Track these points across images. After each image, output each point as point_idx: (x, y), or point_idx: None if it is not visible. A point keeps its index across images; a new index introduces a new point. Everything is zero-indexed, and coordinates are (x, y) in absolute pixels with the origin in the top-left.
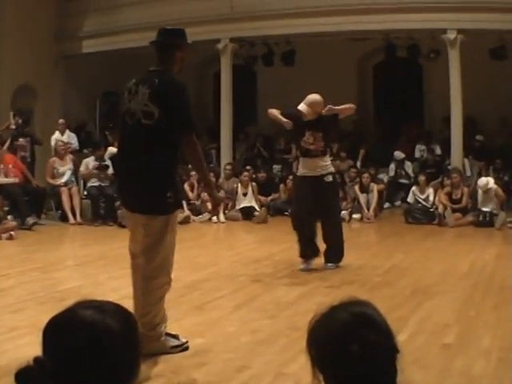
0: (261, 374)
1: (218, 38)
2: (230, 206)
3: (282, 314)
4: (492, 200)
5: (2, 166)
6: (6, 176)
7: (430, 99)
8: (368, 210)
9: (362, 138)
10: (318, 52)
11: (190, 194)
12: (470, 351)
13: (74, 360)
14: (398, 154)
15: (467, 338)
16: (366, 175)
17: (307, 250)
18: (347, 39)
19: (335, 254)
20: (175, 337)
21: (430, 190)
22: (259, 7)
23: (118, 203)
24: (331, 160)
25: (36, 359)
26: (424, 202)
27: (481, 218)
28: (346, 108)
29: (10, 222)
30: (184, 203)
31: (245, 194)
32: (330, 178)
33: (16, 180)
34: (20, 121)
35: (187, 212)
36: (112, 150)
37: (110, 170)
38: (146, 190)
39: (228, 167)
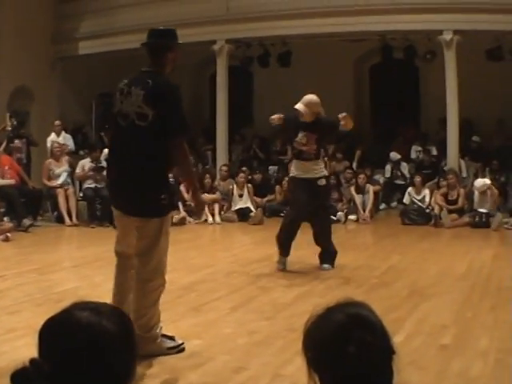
0: (258, 376)
1: (214, 40)
2: (225, 207)
3: (278, 316)
4: (488, 201)
5: None
6: (3, 178)
7: (427, 100)
8: (364, 211)
9: (358, 139)
10: (314, 53)
11: (186, 196)
12: (467, 352)
13: (70, 362)
14: (394, 155)
15: (464, 340)
16: (361, 176)
17: (285, 251)
18: (343, 40)
19: (330, 256)
20: (171, 338)
21: (426, 191)
22: (255, 8)
23: None
24: (327, 160)
25: (32, 361)
26: (420, 203)
27: (477, 219)
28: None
29: (7, 223)
30: (180, 204)
31: (241, 196)
32: (323, 182)
33: (12, 182)
34: (15, 122)
35: (183, 213)
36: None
37: None
38: (140, 192)
39: (224, 168)
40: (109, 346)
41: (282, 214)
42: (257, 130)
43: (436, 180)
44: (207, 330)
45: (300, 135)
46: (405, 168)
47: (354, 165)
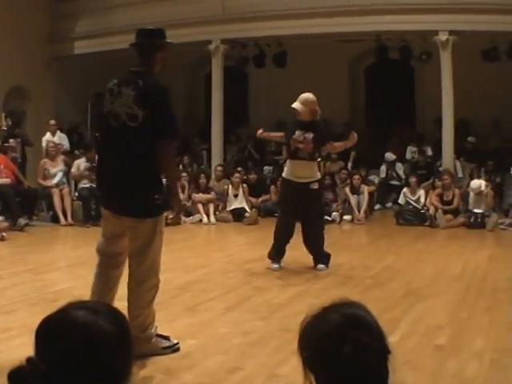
0: (253, 376)
1: (210, 40)
2: (220, 207)
3: (273, 316)
4: (483, 201)
5: None
6: None
7: (422, 101)
8: (359, 211)
9: None
10: (309, 53)
11: (181, 195)
12: (462, 353)
13: (67, 361)
14: (389, 156)
15: (460, 340)
16: (356, 177)
17: (278, 254)
18: (339, 41)
19: (324, 256)
20: (166, 338)
21: (421, 192)
22: (250, 8)
23: None
24: (321, 161)
25: (29, 360)
26: (415, 204)
27: (472, 220)
28: (348, 142)
29: (2, 222)
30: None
31: (236, 196)
32: (315, 186)
33: (8, 181)
34: (10, 122)
35: None
36: None
37: None
38: (132, 193)
39: (219, 168)
40: (105, 345)
41: (276, 214)
42: (252, 130)
43: (431, 180)
44: (202, 330)
45: (297, 133)
46: (400, 168)
47: (349, 165)
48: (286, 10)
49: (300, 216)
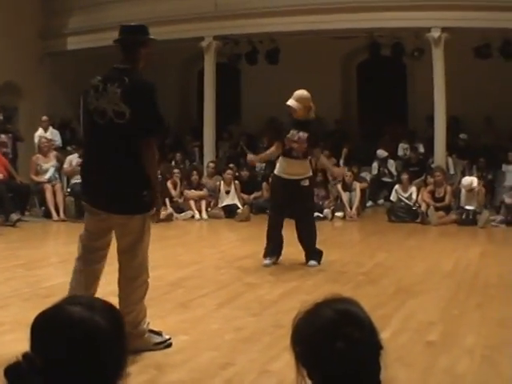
0: (245, 371)
1: (202, 36)
2: (212, 203)
3: (265, 312)
4: (475, 198)
5: None
6: None
7: (414, 98)
8: (351, 208)
9: (345, 137)
10: (302, 50)
11: (173, 192)
12: (453, 349)
13: (63, 356)
14: (381, 153)
15: (451, 336)
16: (348, 173)
17: (273, 251)
18: (331, 38)
19: (316, 253)
20: (159, 334)
21: (413, 189)
22: (243, 5)
23: None
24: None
25: (25, 355)
26: (407, 201)
27: (464, 217)
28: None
29: None
30: (167, 201)
31: (228, 192)
32: (306, 182)
33: (0, 176)
34: (1, 117)
35: (170, 210)
36: None
37: None
38: (122, 190)
39: (211, 165)
40: (101, 340)
41: (268, 211)
42: (244, 127)
43: (423, 177)
44: (194, 326)
45: (292, 132)
46: (392, 165)
47: (341, 162)
48: (278, 6)
49: (291, 213)
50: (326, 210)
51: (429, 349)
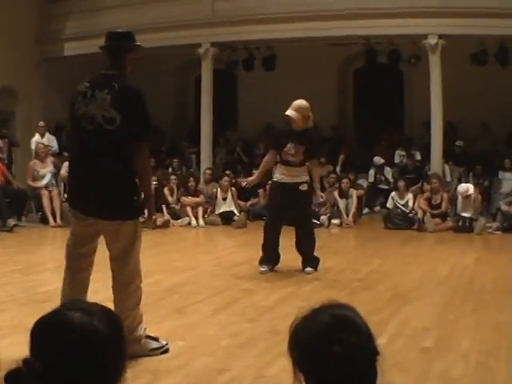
0: (241, 377)
1: (199, 43)
2: (209, 210)
3: (261, 318)
4: (472, 205)
5: None
6: None
7: (411, 105)
8: (347, 215)
9: (341, 144)
10: (298, 57)
11: (170, 198)
12: (449, 355)
13: (63, 361)
14: (378, 160)
15: (446, 342)
16: (345, 180)
17: (269, 259)
18: (328, 44)
19: (312, 260)
20: (155, 339)
21: (410, 196)
22: (240, 12)
23: None
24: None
25: (25, 360)
26: (403, 208)
27: (460, 224)
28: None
29: None
30: (164, 207)
31: (224, 199)
32: (305, 187)
33: None
34: None
35: (167, 216)
36: None
37: None
38: (112, 196)
39: (208, 172)
40: (100, 345)
41: (265, 218)
42: (241, 133)
43: (420, 184)
44: (190, 332)
45: (289, 145)
46: (388, 172)
47: (338, 169)
48: (275, 13)
49: (289, 220)
50: (322, 217)
51: (424, 354)
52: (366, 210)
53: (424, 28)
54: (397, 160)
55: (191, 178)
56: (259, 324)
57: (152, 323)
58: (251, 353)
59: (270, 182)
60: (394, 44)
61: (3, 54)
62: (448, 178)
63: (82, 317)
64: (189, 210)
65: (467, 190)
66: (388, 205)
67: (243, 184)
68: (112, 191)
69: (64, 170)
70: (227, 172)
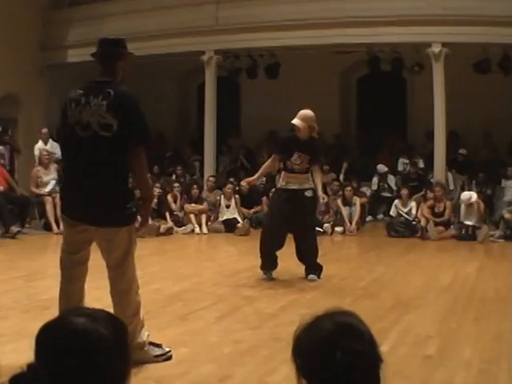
0: None
1: (203, 50)
2: (212, 217)
3: (264, 325)
4: (475, 214)
5: None
6: None
7: (414, 113)
8: (350, 223)
9: (344, 151)
10: (302, 65)
11: (173, 206)
12: (451, 363)
13: (68, 367)
14: (381, 168)
15: (448, 350)
16: (348, 188)
17: (269, 264)
18: (331, 52)
19: (316, 267)
20: (159, 346)
21: (413, 204)
22: (244, 19)
23: None
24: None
25: (29, 366)
26: (406, 216)
27: (463, 232)
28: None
29: None
30: (167, 214)
31: (228, 206)
32: (310, 193)
33: (0, 188)
34: (0, 129)
35: (170, 223)
36: None
37: None
38: (107, 203)
39: (211, 179)
40: (105, 351)
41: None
42: (244, 140)
43: (423, 192)
44: (193, 339)
45: (295, 156)
46: (391, 180)
47: (341, 177)
48: (279, 21)
49: (291, 227)
50: (325, 225)
51: (426, 362)
52: (369, 218)
53: (427, 36)
54: (400, 168)
55: (194, 186)
56: (262, 331)
57: (155, 330)
58: (254, 360)
59: (273, 189)
60: (398, 52)
61: (6, 60)
62: (451, 186)
63: (86, 322)
64: (192, 217)
65: (470, 198)
66: (391, 213)
67: (242, 184)
68: (108, 198)
69: None
70: (230, 179)
